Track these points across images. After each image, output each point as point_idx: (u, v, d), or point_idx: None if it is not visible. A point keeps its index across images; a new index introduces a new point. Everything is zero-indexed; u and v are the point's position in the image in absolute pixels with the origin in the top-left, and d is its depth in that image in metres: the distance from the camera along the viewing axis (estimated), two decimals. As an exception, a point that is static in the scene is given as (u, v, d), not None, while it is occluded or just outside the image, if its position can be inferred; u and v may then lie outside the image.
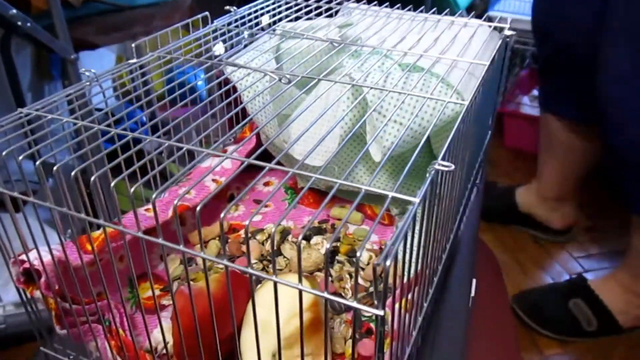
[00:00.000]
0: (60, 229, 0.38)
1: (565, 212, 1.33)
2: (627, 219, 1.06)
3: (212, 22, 0.61)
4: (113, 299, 0.43)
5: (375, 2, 0.69)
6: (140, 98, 0.48)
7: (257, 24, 0.63)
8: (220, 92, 0.48)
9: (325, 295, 0.29)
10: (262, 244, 0.60)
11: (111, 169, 0.37)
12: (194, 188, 0.59)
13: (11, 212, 0.39)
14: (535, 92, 1.76)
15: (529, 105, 1.73)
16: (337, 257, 0.58)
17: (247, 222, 0.59)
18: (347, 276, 0.54)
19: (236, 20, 0.62)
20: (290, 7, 0.67)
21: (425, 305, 0.44)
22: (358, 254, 0.27)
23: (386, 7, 0.68)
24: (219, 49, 0.56)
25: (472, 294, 0.57)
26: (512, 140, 1.68)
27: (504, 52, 0.61)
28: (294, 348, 0.43)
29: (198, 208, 0.30)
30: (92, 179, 0.33)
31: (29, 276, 0.43)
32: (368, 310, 0.28)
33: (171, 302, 0.53)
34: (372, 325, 0.51)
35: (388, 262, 0.27)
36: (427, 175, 0.33)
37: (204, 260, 0.32)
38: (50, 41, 0.85)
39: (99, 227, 0.50)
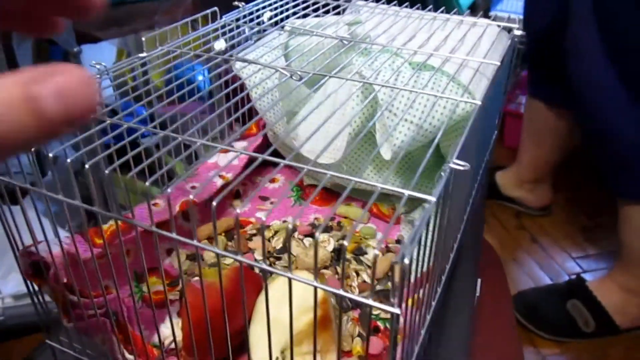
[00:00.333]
0: (69, 222, 0.38)
1: (541, 194, 1.44)
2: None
3: (220, 18, 0.61)
4: (121, 293, 0.43)
5: (383, 1, 0.69)
6: (149, 93, 0.47)
7: (265, 20, 0.63)
8: (229, 89, 0.48)
9: (341, 292, 0.30)
10: (269, 240, 0.60)
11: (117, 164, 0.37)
12: (200, 183, 0.59)
13: (21, 203, 0.39)
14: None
15: (529, 106, 1.74)
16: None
17: (263, 217, 0.58)
18: (354, 274, 0.55)
19: (245, 16, 0.62)
20: (298, 4, 0.66)
21: (433, 304, 0.44)
22: (370, 254, 0.28)
23: (394, 5, 0.68)
24: (219, 45, 0.56)
25: (477, 293, 0.57)
26: (512, 140, 1.68)
27: (512, 52, 0.61)
28: (302, 345, 0.43)
29: (214, 203, 0.30)
30: (107, 171, 0.33)
31: (37, 268, 0.43)
32: (384, 309, 0.28)
33: (177, 297, 0.53)
34: (379, 323, 0.51)
35: (407, 261, 0.27)
36: (442, 174, 0.33)
37: (217, 255, 0.33)
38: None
39: (104, 221, 0.50)
